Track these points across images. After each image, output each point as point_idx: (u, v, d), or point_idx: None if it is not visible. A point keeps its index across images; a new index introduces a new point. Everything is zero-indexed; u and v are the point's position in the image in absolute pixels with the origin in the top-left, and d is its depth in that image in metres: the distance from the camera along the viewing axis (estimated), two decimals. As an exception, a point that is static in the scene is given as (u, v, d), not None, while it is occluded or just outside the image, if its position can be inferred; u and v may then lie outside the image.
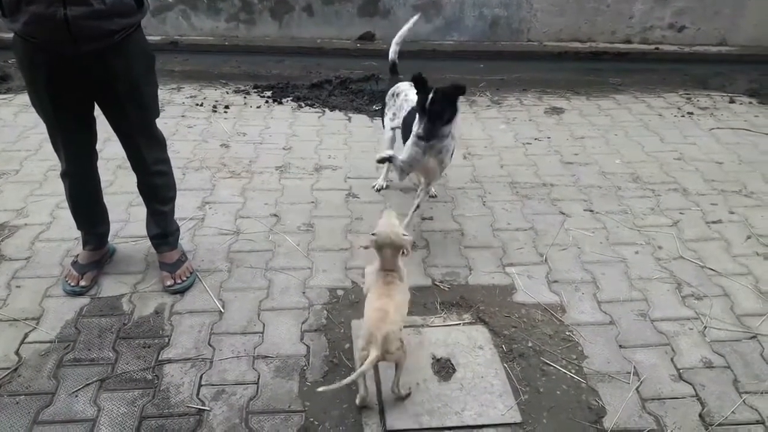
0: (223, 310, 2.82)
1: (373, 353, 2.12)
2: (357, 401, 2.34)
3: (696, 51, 7.39)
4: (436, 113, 2.94)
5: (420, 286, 3.03)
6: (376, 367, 2.49)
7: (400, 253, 2.39)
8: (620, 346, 2.70)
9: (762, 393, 2.48)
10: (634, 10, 7.39)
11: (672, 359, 2.63)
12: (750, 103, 5.87)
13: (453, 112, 3.01)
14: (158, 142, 2.87)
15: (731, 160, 4.57)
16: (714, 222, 3.70)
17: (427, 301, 2.93)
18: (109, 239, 3.13)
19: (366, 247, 2.42)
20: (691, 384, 2.51)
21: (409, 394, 2.39)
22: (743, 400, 2.44)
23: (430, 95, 2.91)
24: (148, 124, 2.79)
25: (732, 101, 5.87)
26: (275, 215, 3.61)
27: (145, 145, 2.79)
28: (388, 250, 2.36)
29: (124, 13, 2.40)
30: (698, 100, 5.86)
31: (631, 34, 7.54)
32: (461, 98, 3.00)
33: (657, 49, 7.43)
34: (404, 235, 2.39)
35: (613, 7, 7.36)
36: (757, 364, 2.62)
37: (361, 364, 2.15)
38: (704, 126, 5.20)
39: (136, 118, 2.70)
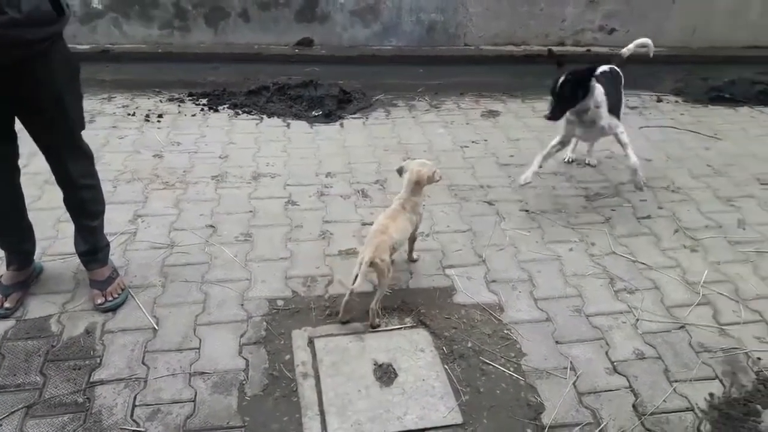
0: (157, 327, 2.74)
1: (367, 254, 2.61)
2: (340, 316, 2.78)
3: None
4: (563, 96, 3.42)
5: (362, 292, 3.00)
6: (317, 378, 2.48)
7: (422, 187, 2.95)
8: (557, 342, 2.76)
9: (691, 381, 2.57)
10: (566, 14, 7.60)
11: (606, 353, 2.71)
12: (676, 101, 6.12)
13: (585, 92, 3.45)
14: (84, 155, 2.77)
15: (659, 157, 4.75)
16: (644, 217, 3.83)
17: (368, 307, 2.91)
18: (35, 257, 3.00)
19: (399, 173, 3.00)
20: (624, 376, 2.59)
21: (377, 322, 2.79)
22: (674, 389, 2.53)
23: (560, 79, 3.37)
24: (73, 136, 2.68)
25: (659, 100, 6.10)
26: (211, 226, 3.54)
27: (71, 158, 2.69)
28: (413, 180, 2.91)
29: (44, 22, 2.30)
30: (628, 100, 6.02)
31: (564, 37, 7.75)
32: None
33: (589, 51, 7.66)
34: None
35: (546, 11, 7.55)
36: (686, 353, 2.72)
37: (357, 267, 2.65)
38: (633, 124, 5.37)
39: (59, 131, 2.59)
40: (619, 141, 3.71)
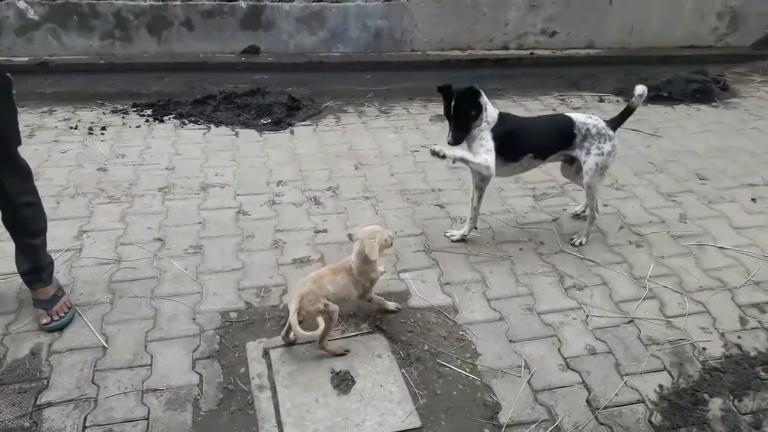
0: (106, 345, 2.66)
1: (292, 304, 2.49)
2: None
3: (567, 54, 7.88)
4: (461, 117, 3.24)
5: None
6: (274, 389, 2.45)
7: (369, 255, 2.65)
8: (510, 341, 2.80)
9: (641, 374, 2.65)
10: (509, 18, 7.77)
11: (559, 349, 2.76)
12: (617, 101, 6.31)
13: (478, 110, 3.24)
14: (22, 171, 2.67)
15: (603, 155, 4.87)
16: (590, 215, 3.93)
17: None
18: (-27, 279, 2.88)
19: (350, 238, 2.80)
20: (577, 372, 2.64)
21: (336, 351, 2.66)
22: (625, 382, 2.59)
23: (453, 103, 3.19)
24: (9, 153, 2.58)
25: (601, 100, 6.29)
26: (159, 239, 3.46)
27: (7, 176, 2.59)
28: (355, 246, 2.71)
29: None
30: (571, 101, 6.23)
31: (508, 41, 7.91)
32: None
33: (532, 54, 7.84)
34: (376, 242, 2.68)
35: (490, 15, 7.69)
36: (635, 347, 2.80)
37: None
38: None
39: (-7, 147, 2.50)
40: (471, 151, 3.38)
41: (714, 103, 6.36)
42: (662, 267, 3.41)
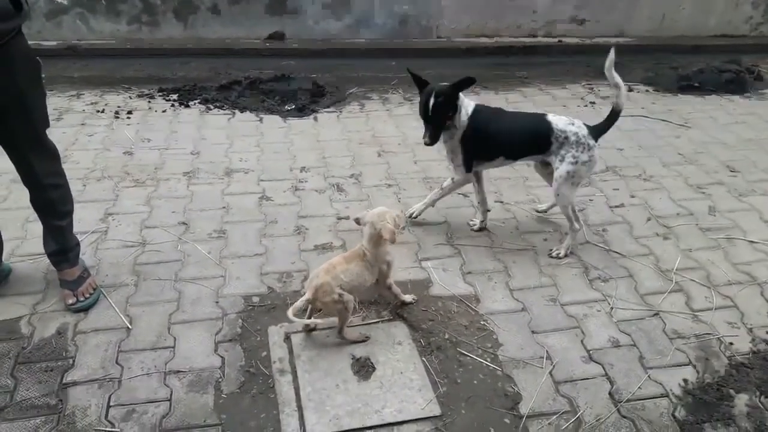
0: (130, 326, 2.69)
1: (306, 295, 2.48)
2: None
3: (596, 43, 7.71)
4: (436, 116, 3.17)
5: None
6: (294, 374, 2.46)
7: (384, 239, 2.60)
8: (533, 331, 2.77)
9: (665, 367, 2.61)
10: (537, 5, 7.64)
11: (582, 341, 2.73)
12: (647, 91, 6.19)
13: (454, 109, 3.19)
14: (50, 153, 2.70)
15: (631, 146, 4.80)
16: (617, 206, 3.88)
17: (345, 302, 2.92)
18: (3, 258, 2.93)
19: (357, 222, 2.73)
20: (600, 364, 2.61)
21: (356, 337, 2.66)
22: (648, 376, 2.56)
23: (430, 101, 3.12)
24: (37, 135, 2.62)
25: (631, 90, 6.17)
26: (184, 223, 3.49)
27: (36, 157, 2.62)
28: (367, 229, 2.64)
29: (1, 17, 2.25)
30: (600, 90, 6.13)
31: (536, 28, 7.79)
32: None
33: (560, 41, 7.72)
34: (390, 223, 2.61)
35: (518, 2, 7.58)
36: (660, 340, 2.76)
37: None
38: (606, 114, 5.39)
39: (23, 129, 2.52)
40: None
41: (747, 94, 6.20)
42: (689, 260, 3.35)
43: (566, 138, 3.17)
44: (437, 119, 3.18)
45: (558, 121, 3.21)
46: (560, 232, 3.55)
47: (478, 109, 3.27)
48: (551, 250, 3.39)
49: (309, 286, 2.54)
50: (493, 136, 3.27)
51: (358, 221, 2.72)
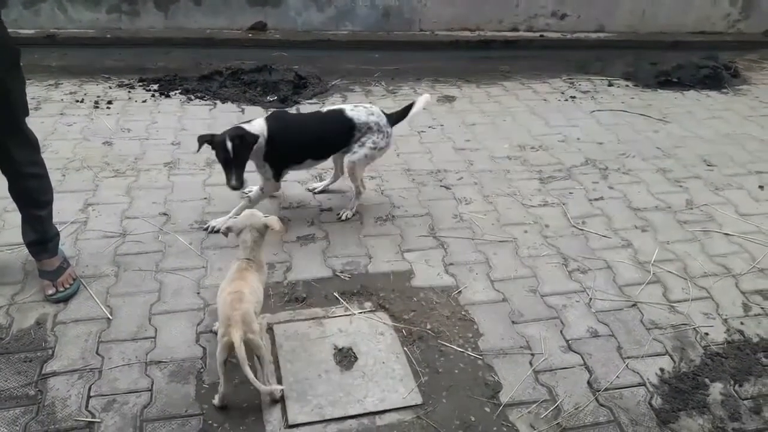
0: (111, 317, 2.68)
1: (236, 333, 2.11)
2: (216, 401, 2.27)
3: (577, 37, 7.78)
4: (238, 159, 3.13)
5: (321, 278, 3.02)
6: (277, 364, 2.46)
7: (262, 239, 2.47)
8: (513, 322, 2.81)
9: (643, 357, 2.66)
10: (519, -1, 7.67)
11: (561, 331, 2.77)
12: (626, 85, 6.26)
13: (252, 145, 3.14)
14: (30, 142, 2.67)
15: (610, 140, 4.85)
16: (596, 199, 3.92)
17: (328, 292, 2.93)
18: (-21, 249, 2.90)
19: (226, 234, 2.49)
20: (579, 354, 2.65)
21: (281, 395, 2.34)
22: (626, 365, 2.61)
23: (229, 146, 3.07)
24: (17, 123, 2.59)
25: (611, 84, 6.23)
26: (165, 214, 3.47)
27: (15, 146, 2.59)
28: (248, 235, 2.43)
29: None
30: (580, 84, 6.18)
31: (518, 23, 7.81)
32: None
33: (542, 36, 7.75)
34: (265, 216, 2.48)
35: (500, -4, 7.60)
36: (637, 330, 2.81)
37: (222, 352, 2.16)
38: (586, 109, 5.49)
39: (2, 117, 2.50)
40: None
41: (724, 90, 6.29)
42: (667, 252, 3.41)
43: (369, 128, 3.39)
44: (240, 162, 3.14)
45: (358, 114, 3.39)
46: (540, 224, 3.59)
47: (273, 127, 3.24)
48: (338, 213, 3.57)
49: (231, 322, 2.14)
50: (297, 146, 3.36)
51: (228, 232, 2.49)
